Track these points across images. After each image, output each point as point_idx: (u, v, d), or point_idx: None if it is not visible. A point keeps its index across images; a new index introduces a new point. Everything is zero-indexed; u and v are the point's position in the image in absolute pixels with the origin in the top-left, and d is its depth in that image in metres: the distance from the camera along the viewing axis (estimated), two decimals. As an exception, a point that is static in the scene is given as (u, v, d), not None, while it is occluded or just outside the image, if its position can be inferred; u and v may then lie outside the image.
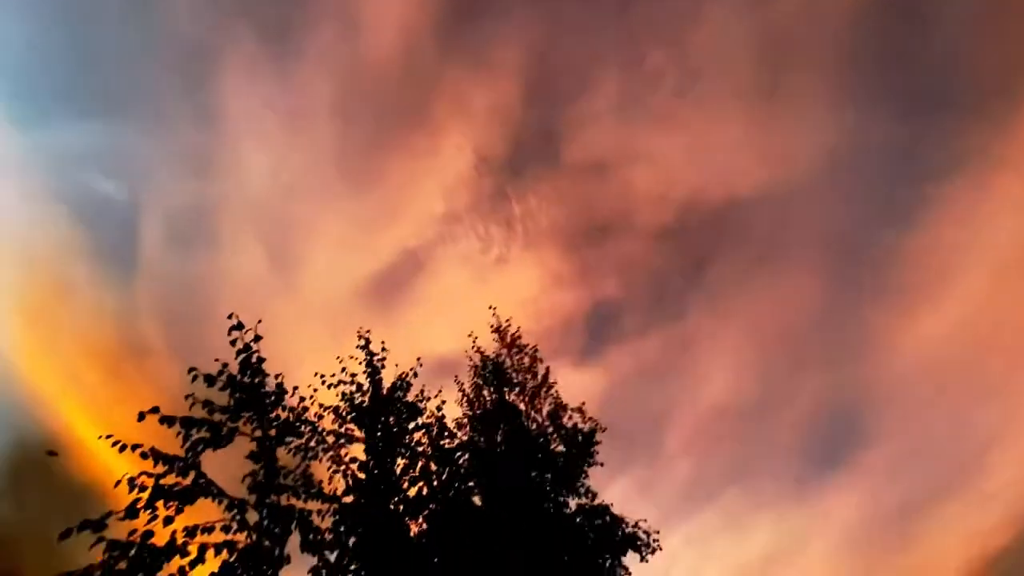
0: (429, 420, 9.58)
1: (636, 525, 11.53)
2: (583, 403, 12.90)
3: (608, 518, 11.39)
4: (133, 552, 5.02)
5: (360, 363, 9.71)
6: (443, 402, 9.88)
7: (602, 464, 12.30)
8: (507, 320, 13.92)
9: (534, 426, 12.49)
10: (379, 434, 9.05)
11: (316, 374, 9.36)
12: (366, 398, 9.43)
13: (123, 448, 5.49)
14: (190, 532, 5.56)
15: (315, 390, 8.96)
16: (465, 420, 12.66)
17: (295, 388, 7.59)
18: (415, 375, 9.73)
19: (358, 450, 8.94)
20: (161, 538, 5.32)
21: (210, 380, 6.54)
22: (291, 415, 7.27)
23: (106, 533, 4.99)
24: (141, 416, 5.64)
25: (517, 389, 13.08)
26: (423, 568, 8.58)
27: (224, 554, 5.62)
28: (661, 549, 11.33)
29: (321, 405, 8.98)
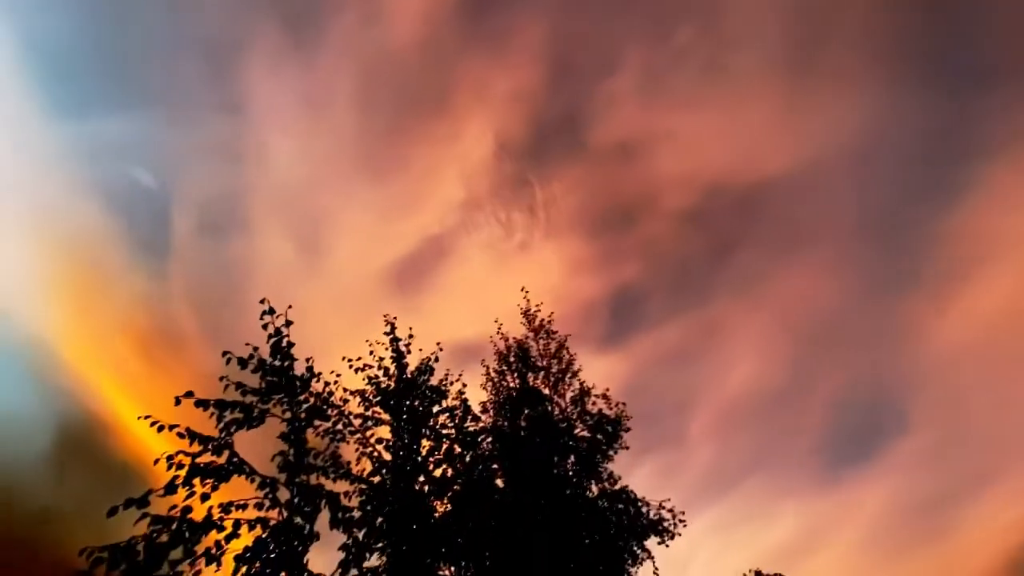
0: (453, 403, 9.75)
1: (660, 506, 11.54)
2: (607, 389, 12.92)
3: (630, 502, 11.43)
4: (174, 526, 5.27)
5: (386, 348, 9.91)
6: (465, 386, 10.01)
7: (627, 447, 12.30)
8: (538, 305, 13.96)
9: (557, 411, 12.56)
10: (404, 417, 9.24)
11: (344, 358, 9.59)
12: (392, 382, 9.62)
13: (161, 428, 5.73)
14: (225, 508, 5.79)
15: (338, 375, 9.18)
16: (489, 404, 12.79)
17: (320, 373, 7.79)
18: (437, 360, 9.88)
19: (384, 432, 9.16)
20: (198, 514, 5.56)
21: (242, 363, 6.76)
22: (318, 400, 7.47)
23: (148, 509, 5.24)
24: (178, 400, 5.88)
25: (541, 374, 13.15)
26: (447, 547, 8.78)
27: (257, 530, 5.85)
28: (680, 534, 11.31)
29: (346, 389, 9.20)
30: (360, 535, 6.98)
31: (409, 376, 9.67)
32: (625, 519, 11.27)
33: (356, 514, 7.02)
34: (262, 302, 7.22)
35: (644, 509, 11.46)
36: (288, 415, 6.88)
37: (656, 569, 10.88)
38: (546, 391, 12.83)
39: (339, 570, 6.54)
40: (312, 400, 7.32)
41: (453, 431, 9.49)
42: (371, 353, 9.80)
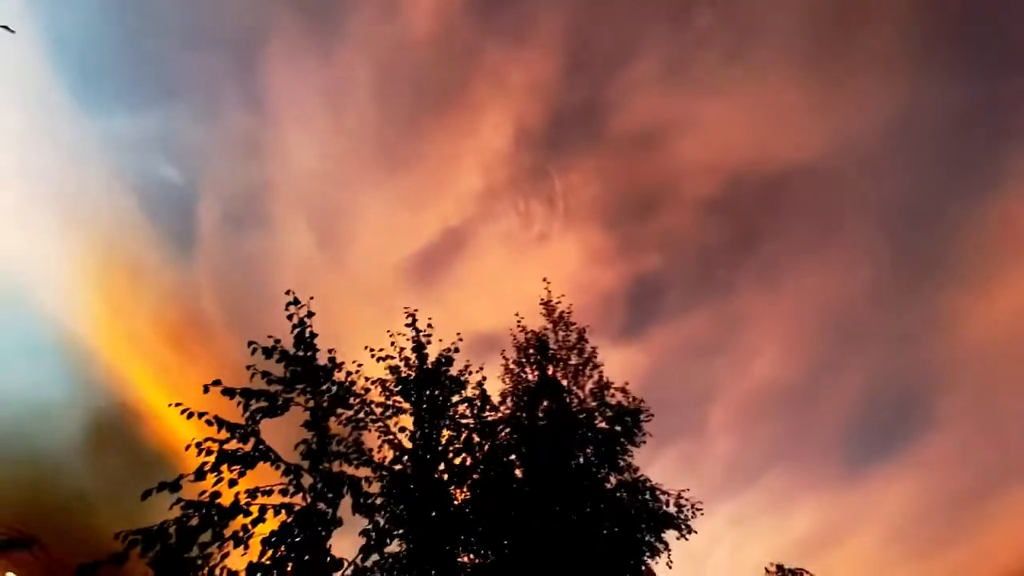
0: (473, 394, 9.85)
1: (679, 496, 11.51)
2: (627, 383, 12.87)
3: (648, 493, 11.43)
4: (203, 511, 5.45)
5: (407, 339, 10.04)
6: (484, 378, 10.10)
7: (646, 439, 12.21)
8: (559, 297, 13.96)
9: (576, 402, 12.59)
10: (424, 406, 9.37)
11: (366, 347, 9.74)
12: (412, 372, 9.75)
13: (190, 416, 5.92)
14: (251, 494, 5.97)
15: (359, 365, 9.32)
16: (508, 395, 12.86)
17: (343, 363, 7.93)
18: (457, 350, 9.97)
19: (405, 421, 9.31)
20: (226, 499, 5.74)
21: (267, 353, 6.93)
22: (341, 388, 7.61)
23: (179, 494, 5.43)
24: (206, 388, 6.07)
25: (560, 365, 13.17)
26: (466, 535, 8.92)
27: (283, 515, 6.02)
28: (697, 532, 11.22)
29: (367, 379, 9.35)
30: (382, 521, 7.14)
31: (429, 366, 9.79)
32: (643, 511, 11.26)
33: (378, 500, 7.18)
34: (287, 293, 7.38)
35: (663, 498, 11.44)
36: (311, 404, 7.03)
37: (670, 562, 10.88)
38: (564, 383, 12.85)
39: (360, 555, 6.71)
40: (335, 389, 7.47)
41: (472, 421, 9.60)
42: (392, 344, 9.94)
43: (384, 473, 8.59)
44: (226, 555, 5.59)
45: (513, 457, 10.78)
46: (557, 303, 13.84)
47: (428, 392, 9.52)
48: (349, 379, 8.29)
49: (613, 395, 12.71)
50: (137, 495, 5.26)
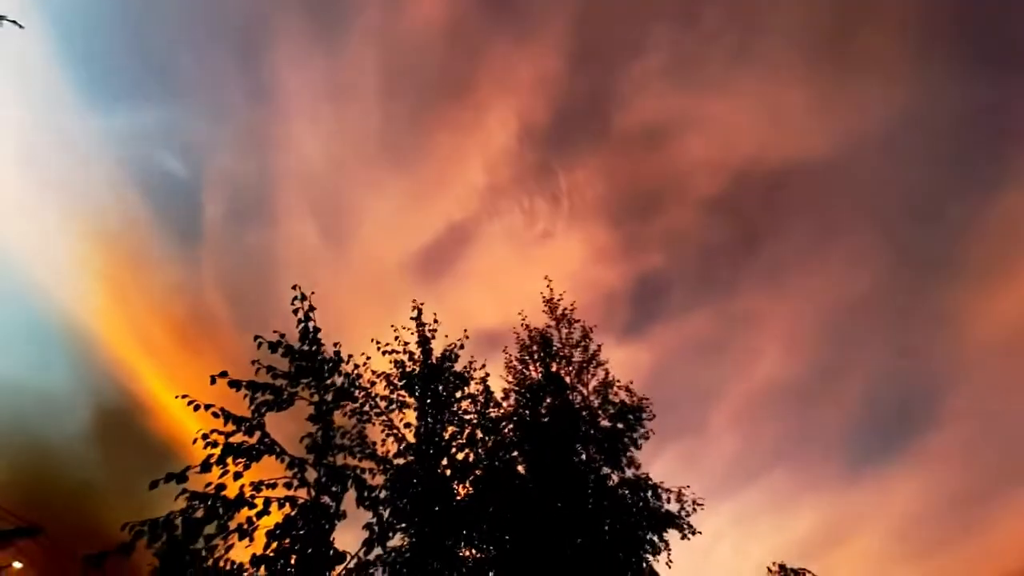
0: (477, 390, 9.88)
1: (680, 493, 11.50)
2: (631, 382, 12.86)
3: (650, 490, 11.42)
4: (209, 503, 5.50)
5: (412, 333, 10.08)
6: (487, 374, 10.14)
7: (648, 435, 12.17)
8: (561, 294, 13.96)
9: (579, 399, 12.59)
10: (429, 401, 9.41)
11: (372, 340, 9.78)
12: (417, 366, 9.79)
13: (197, 407, 5.96)
14: (256, 486, 6.01)
15: (368, 357, 9.35)
16: (511, 391, 12.89)
17: (350, 356, 7.96)
18: (462, 347, 10.00)
19: (410, 416, 9.34)
20: (232, 491, 5.78)
21: (273, 347, 6.97)
22: (347, 381, 7.64)
23: (184, 486, 5.48)
24: (213, 380, 6.10)
25: (564, 363, 13.17)
26: (468, 530, 8.96)
27: (287, 508, 6.06)
28: (701, 532, 11.19)
29: (374, 372, 9.39)
30: (385, 515, 7.18)
31: (434, 362, 9.83)
32: (645, 509, 11.26)
33: (382, 494, 7.22)
34: (294, 288, 7.39)
35: (665, 496, 11.43)
36: (316, 398, 7.07)
37: (670, 560, 10.88)
38: (568, 380, 12.86)
39: (363, 548, 6.75)
40: (340, 382, 7.50)
41: (476, 416, 9.63)
42: (396, 338, 9.99)
43: (387, 467, 8.63)
44: (231, 547, 5.64)
45: (516, 453, 10.81)
46: (559, 300, 13.87)
47: (432, 387, 9.56)
48: (356, 371, 8.34)
49: (616, 393, 12.71)
50: (143, 486, 5.30)
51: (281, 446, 6.41)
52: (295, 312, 7.32)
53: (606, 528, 10.72)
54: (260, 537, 5.80)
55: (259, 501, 5.91)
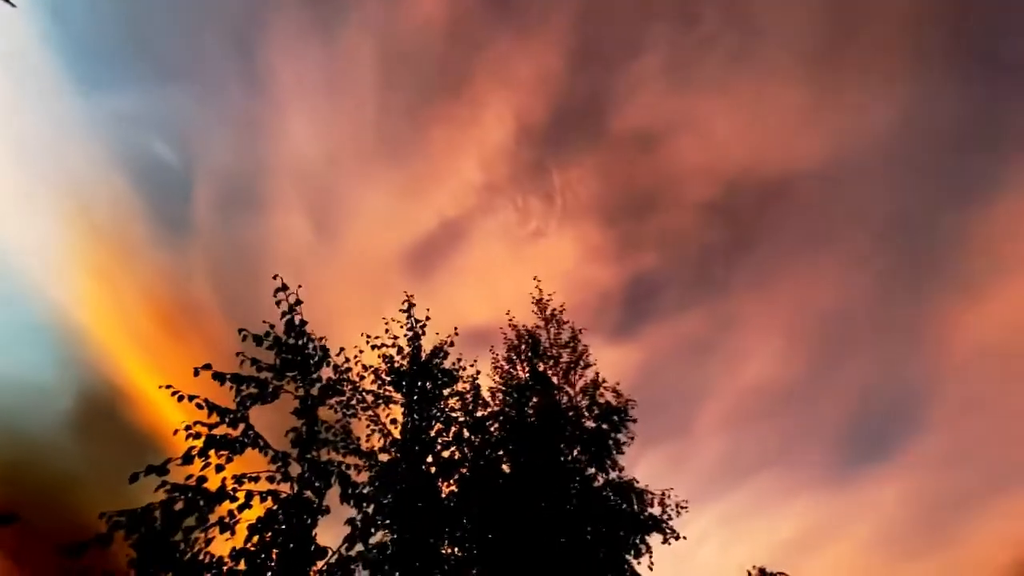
0: (464, 388, 9.86)
1: (663, 495, 11.57)
2: (618, 383, 12.92)
3: (634, 493, 11.47)
4: (189, 495, 5.44)
5: (402, 327, 10.02)
6: (478, 372, 10.12)
7: (631, 438, 12.24)
8: (550, 294, 13.99)
9: (566, 400, 12.62)
10: (416, 397, 9.38)
11: (362, 334, 9.70)
12: (405, 362, 9.75)
13: (181, 398, 5.89)
14: (238, 480, 5.95)
15: (360, 351, 9.28)
16: (498, 390, 12.90)
17: (341, 349, 7.90)
18: (451, 344, 9.97)
19: (396, 411, 9.31)
20: (213, 484, 5.73)
21: (258, 340, 6.90)
22: (334, 373, 7.56)
23: (166, 478, 5.41)
24: (196, 372, 6.03)
25: (551, 362, 13.20)
26: (452, 528, 8.95)
27: (269, 502, 6.02)
28: (685, 537, 11.26)
29: (363, 366, 9.34)
30: (369, 511, 7.14)
31: (423, 358, 9.80)
32: (629, 511, 11.31)
33: (366, 490, 7.18)
34: (275, 278, 7.28)
35: (648, 498, 11.49)
36: (301, 392, 7.02)
37: (652, 564, 10.93)
38: (555, 380, 12.89)
39: (345, 544, 6.71)
40: (328, 372, 7.42)
41: (462, 415, 9.62)
42: (387, 331, 9.93)
43: (372, 463, 8.60)
44: (211, 540, 5.58)
45: (501, 452, 10.81)
46: (548, 300, 13.90)
47: (420, 384, 9.53)
48: (346, 364, 8.27)
49: (603, 394, 12.76)
50: (124, 477, 5.23)
51: (265, 440, 6.36)
52: (278, 304, 7.23)
53: (589, 529, 10.76)
54: (241, 531, 5.75)
55: (241, 494, 5.85)
